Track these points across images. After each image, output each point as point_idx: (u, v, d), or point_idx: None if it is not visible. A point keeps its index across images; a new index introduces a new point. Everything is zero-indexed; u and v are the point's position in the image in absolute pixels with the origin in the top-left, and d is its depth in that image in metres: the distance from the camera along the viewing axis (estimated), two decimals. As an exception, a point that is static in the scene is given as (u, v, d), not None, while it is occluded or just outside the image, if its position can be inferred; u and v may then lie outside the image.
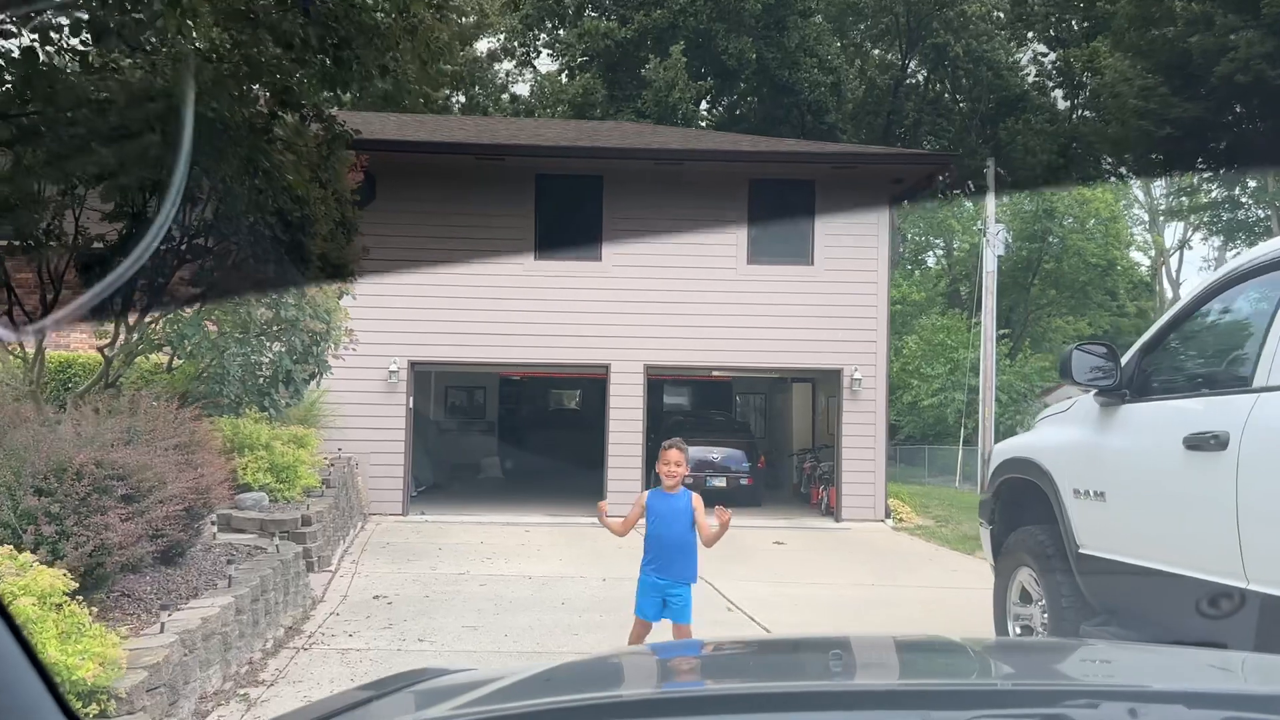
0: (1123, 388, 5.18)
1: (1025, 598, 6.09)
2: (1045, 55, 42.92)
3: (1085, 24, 40.12)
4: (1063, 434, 5.73)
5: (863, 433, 16.35)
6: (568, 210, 16.75)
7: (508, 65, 34.32)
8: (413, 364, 16.31)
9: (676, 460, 6.09)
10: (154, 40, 7.24)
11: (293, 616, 8.16)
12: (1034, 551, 5.87)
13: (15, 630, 1.16)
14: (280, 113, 8.04)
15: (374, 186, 15.95)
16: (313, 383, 13.17)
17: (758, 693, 1.62)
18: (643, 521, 6.21)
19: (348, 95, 8.12)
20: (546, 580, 10.30)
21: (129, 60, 7.40)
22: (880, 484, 16.46)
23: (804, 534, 14.91)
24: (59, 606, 4.67)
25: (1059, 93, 42.11)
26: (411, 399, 16.47)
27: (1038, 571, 5.85)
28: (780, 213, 16.58)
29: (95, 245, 10.09)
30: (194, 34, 7.30)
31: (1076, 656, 2.23)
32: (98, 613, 6.41)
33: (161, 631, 5.66)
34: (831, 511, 16.64)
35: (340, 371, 14.27)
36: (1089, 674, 1.94)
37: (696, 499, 6.08)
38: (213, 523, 9.43)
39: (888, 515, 16.49)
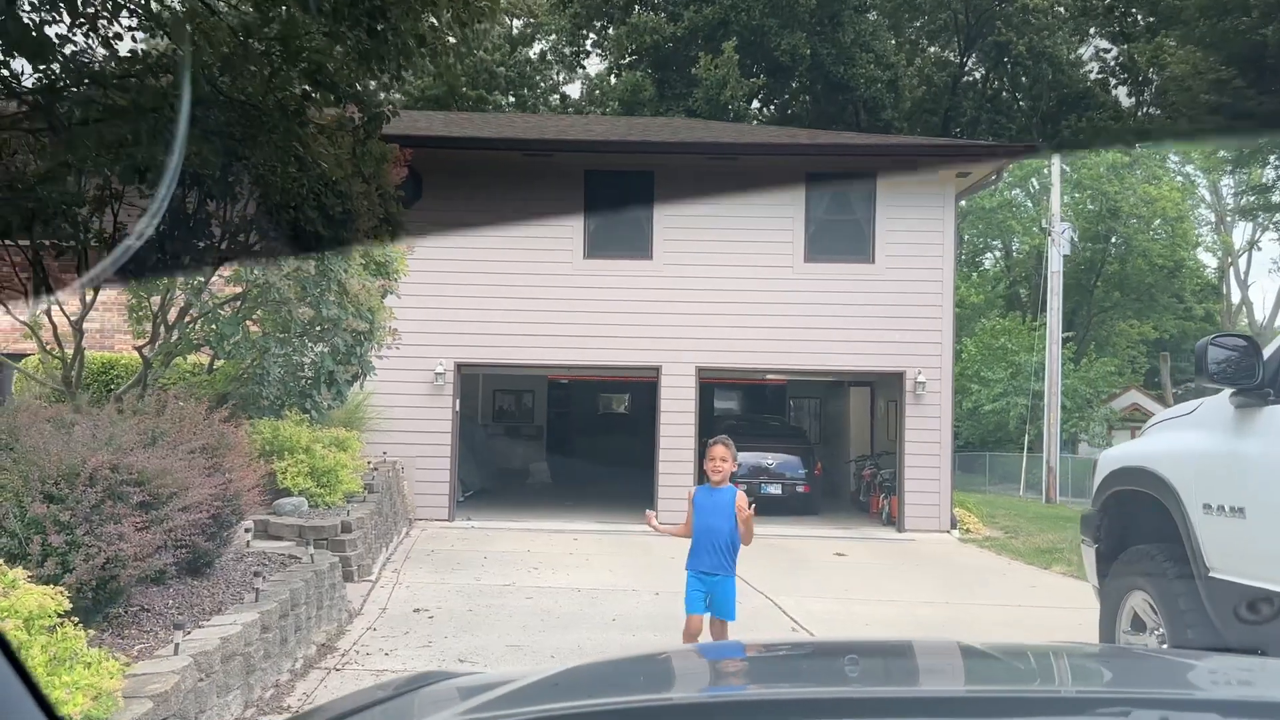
0: (1266, 386, 4.46)
1: (1138, 625, 5.37)
2: (1108, 51, 41.66)
3: (1150, 18, 38.84)
4: (1188, 440, 5.01)
5: (926, 439, 15.57)
6: (618, 207, 16.18)
7: (557, 69, 33.92)
8: (459, 366, 15.84)
9: (721, 456, 6.23)
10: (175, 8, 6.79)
11: (326, 632, 7.65)
12: (1151, 573, 5.15)
13: (11, 656, 1.16)
14: (314, 94, 7.54)
15: (420, 185, 15.54)
16: (356, 384, 12.72)
17: (763, 699, 1.65)
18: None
19: (385, 76, 7.58)
20: (596, 593, 9.71)
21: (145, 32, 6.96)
22: (945, 493, 15.66)
23: (866, 545, 14.18)
24: (53, 629, 4.16)
25: (1122, 89, 40.83)
26: (458, 402, 16.00)
27: (1155, 596, 5.13)
28: (839, 208, 15.88)
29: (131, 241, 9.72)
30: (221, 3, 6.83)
31: (1109, 663, 2.20)
32: (111, 631, 5.96)
33: (175, 653, 5.15)
34: (893, 521, 15.87)
35: (385, 373, 13.83)
36: (1121, 681, 1.90)
37: (740, 495, 6.21)
38: (247, 530, 8.98)
39: (953, 525, 15.68)
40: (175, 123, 7.47)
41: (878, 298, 15.60)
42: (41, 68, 7.26)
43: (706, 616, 6.16)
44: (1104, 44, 43.13)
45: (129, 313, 11.58)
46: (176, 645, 5.28)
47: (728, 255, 15.70)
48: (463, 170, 15.83)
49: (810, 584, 10.92)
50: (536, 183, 15.91)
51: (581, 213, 15.98)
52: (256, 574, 7.17)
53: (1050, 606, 10.12)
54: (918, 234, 15.66)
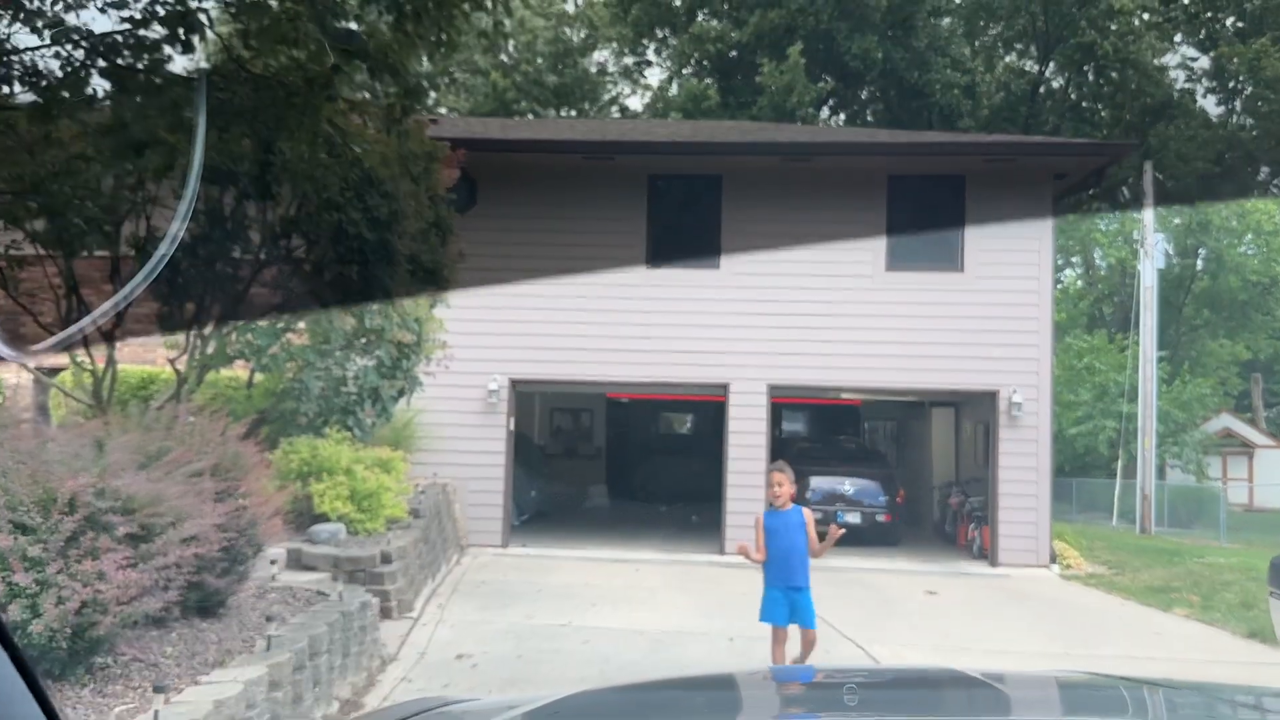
0: None
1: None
2: (1194, 59, 39.74)
3: (1240, 23, 36.95)
4: None
5: (1022, 464, 14.21)
6: (683, 214, 15.17)
7: (617, 80, 33.14)
8: (514, 382, 14.87)
9: (778, 481, 6.84)
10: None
11: (353, 684, 6.64)
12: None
13: (16, 656, 1.19)
14: (343, 66, 6.61)
15: (475, 191, 14.70)
16: (402, 400, 11.81)
17: None
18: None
19: (425, 44, 6.63)
20: (661, 638, 8.59)
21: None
22: (1044, 524, 14.27)
23: (958, 582, 12.87)
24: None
25: (1211, 98, 38.87)
26: (513, 420, 15.04)
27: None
28: (924, 213, 14.63)
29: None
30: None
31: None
32: (93, 687, 5.01)
33: (152, 725, 4.17)
34: (985, 554, 14.51)
35: (435, 390, 12.93)
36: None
37: (807, 513, 6.87)
38: (272, 562, 8.04)
39: (1053, 560, 14.28)
40: (195, 102, 6.62)
41: (967, 310, 14.32)
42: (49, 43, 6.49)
43: (791, 627, 6.72)
44: (1190, 51, 41.21)
45: (159, 321, 10.80)
46: (156, 713, 4.29)
47: (802, 264, 14.55)
48: (519, 175, 14.93)
49: (903, 629, 9.69)
50: (597, 188, 14.94)
51: (645, 219, 14.97)
52: (269, 618, 6.18)
53: (1187, 660, 8.77)
54: (1011, 240, 14.37)
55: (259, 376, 11.15)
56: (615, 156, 15.01)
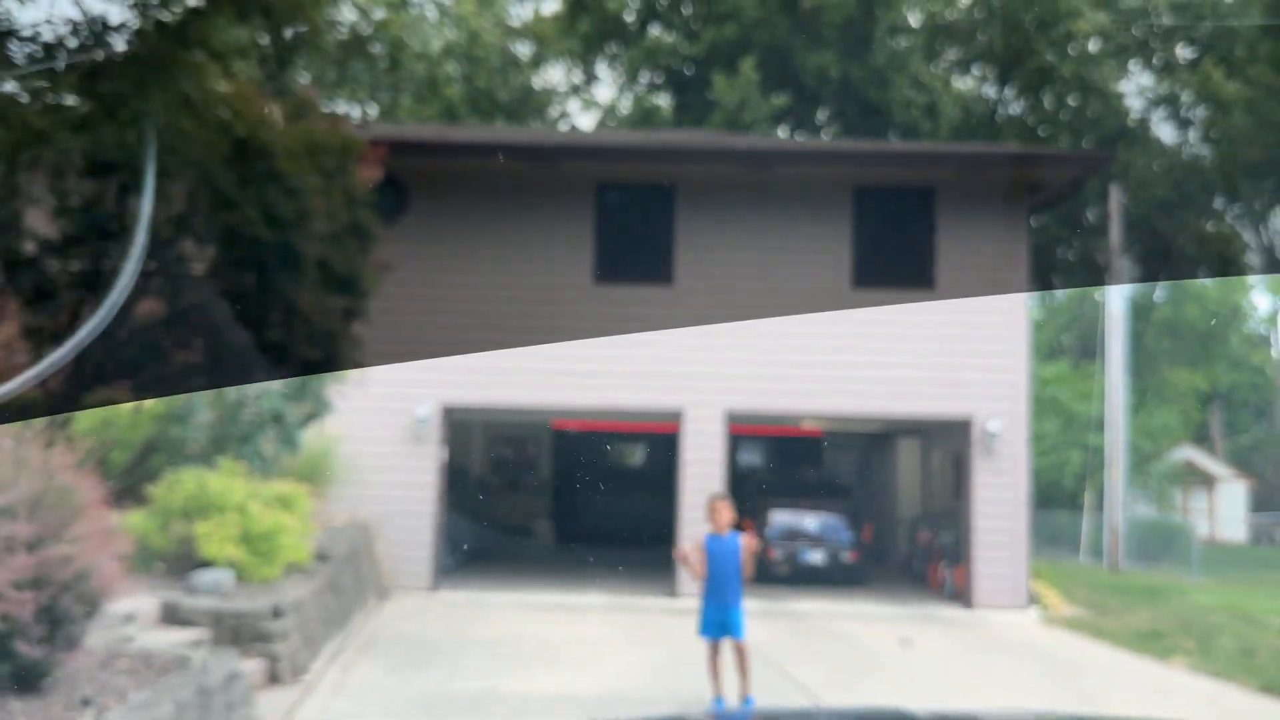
0: None
1: None
2: (1146, 88, 39.71)
3: (1191, 49, 36.96)
4: None
5: (999, 497, 13.13)
6: (634, 226, 13.99)
7: (568, 99, 32.15)
8: (446, 409, 13.52)
9: (719, 508, 7.59)
10: None
11: (204, 783, 5.28)
12: None
13: None
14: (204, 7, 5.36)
15: (406, 198, 13.45)
16: (310, 427, 10.44)
17: None
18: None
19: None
20: (600, 706, 7.28)
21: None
22: (1021, 562, 13.18)
23: (932, 629, 11.70)
24: None
25: (1167, 126, 38.78)
26: (446, 450, 13.68)
27: None
28: (893, 227, 13.59)
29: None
30: None
31: None
32: None
33: None
34: (959, 595, 13.37)
35: (354, 416, 11.60)
36: None
37: (744, 539, 7.55)
38: (129, 619, 6.64)
39: (1031, 601, 13.18)
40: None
41: (938, 330, 13.27)
42: None
43: (725, 641, 7.40)
44: (1145, 79, 41.18)
45: (26, 335, 9.37)
46: None
47: (762, 282, 13.43)
48: (456, 183, 13.69)
49: (878, 687, 8.48)
50: (541, 198, 13.72)
51: (593, 232, 13.75)
52: (85, 702, 4.81)
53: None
54: (985, 257, 13.37)
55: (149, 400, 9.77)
56: (560, 162, 13.84)
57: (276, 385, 9.64)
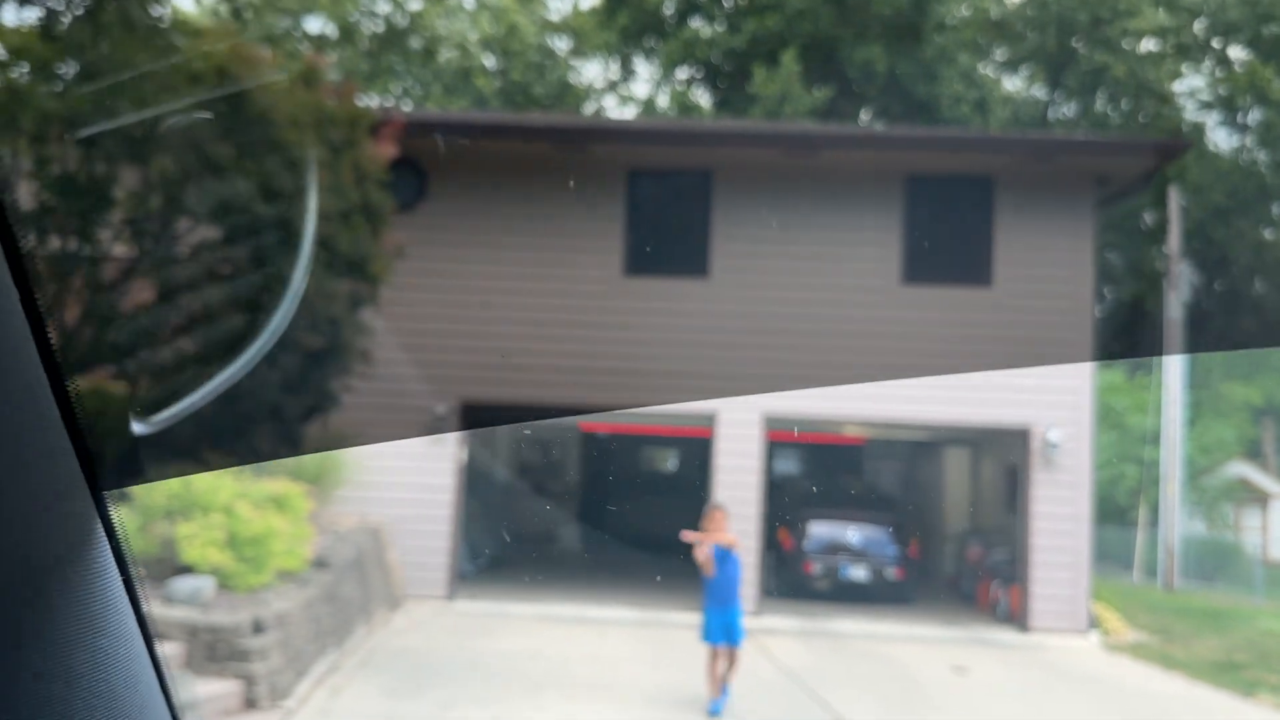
0: None
1: None
2: (1198, 89, 38.41)
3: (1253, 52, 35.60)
4: None
5: (1059, 512, 12.14)
6: (667, 215, 13.15)
7: (604, 94, 31.45)
8: (467, 407, 12.72)
9: (720, 517, 7.97)
10: None
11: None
12: None
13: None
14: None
15: (425, 182, 12.71)
16: (314, 422, 9.65)
17: None
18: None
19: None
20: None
21: None
22: (1083, 583, 12.18)
23: (987, 654, 10.71)
24: None
25: (1224, 129, 37.44)
26: (466, 451, 12.89)
27: None
28: (947, 219, 12.65)
29: None
30: None
31: None
32: None
33: None
34: (1013, 617, 12.36)
35: (367, 413, 10.80)
36: None
37: (736, 544, 7.95)
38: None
39: (1091, 625, 12.14)
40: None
41: (995, 331, 12.28)
42: None
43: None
44: (1197, 81, 39.83)
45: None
46: None
47: (803, 275, 12.52)
48: (479, 167, 12.90)
49: (934, 724, 7.53)
50: (568, 183, 12.91)
51: (623, 221, 12.91)
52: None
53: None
54: (1048, 252, 12.37)
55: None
56: (589, 146, 13.01)
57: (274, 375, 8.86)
